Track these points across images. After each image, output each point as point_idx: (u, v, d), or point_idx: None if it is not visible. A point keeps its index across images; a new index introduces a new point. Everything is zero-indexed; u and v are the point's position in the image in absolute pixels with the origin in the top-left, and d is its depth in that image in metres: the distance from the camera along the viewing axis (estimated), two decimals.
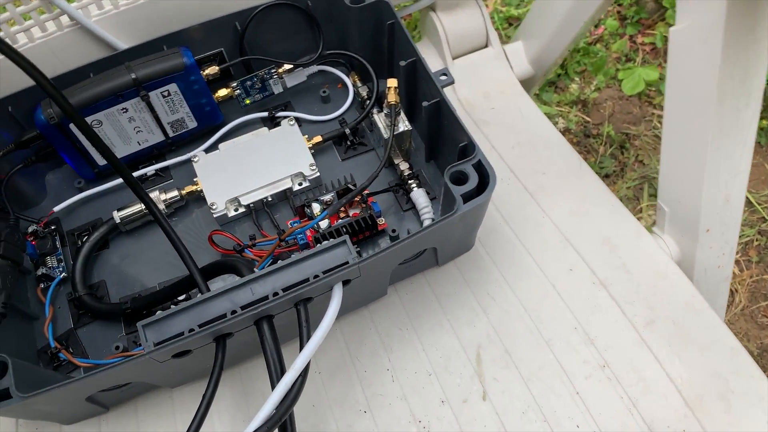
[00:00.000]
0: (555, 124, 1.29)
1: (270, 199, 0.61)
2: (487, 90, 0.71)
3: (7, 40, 0.38)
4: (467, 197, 0.49)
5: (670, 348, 0.52)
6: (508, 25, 1.39)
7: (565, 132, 1.29)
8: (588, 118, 1.30)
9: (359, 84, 0.68)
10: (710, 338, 0.52)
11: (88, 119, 0.58)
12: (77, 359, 0.54)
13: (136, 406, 0.55)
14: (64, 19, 0.58)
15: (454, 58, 0.73)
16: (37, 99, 0.57)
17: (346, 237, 0.48)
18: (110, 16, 0.59)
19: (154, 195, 0.60)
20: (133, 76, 0.57)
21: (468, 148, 0.53)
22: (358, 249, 0.50)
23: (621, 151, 1.27)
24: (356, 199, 0.58)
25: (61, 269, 0.59)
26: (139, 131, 0.61)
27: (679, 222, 0.56)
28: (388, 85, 0.57)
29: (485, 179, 0.50)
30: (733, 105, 0.47)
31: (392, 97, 0.56)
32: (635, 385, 0.50)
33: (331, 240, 0.49)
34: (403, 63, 0.58)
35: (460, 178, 0.50)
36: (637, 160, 1.25)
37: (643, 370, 0.51)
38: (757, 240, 1.14)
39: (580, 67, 1.34)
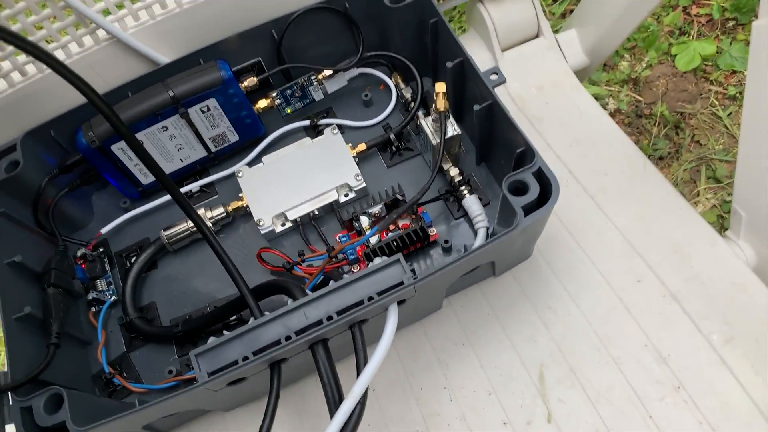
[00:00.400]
0: (605, 105, 1.23)
1: (317, 213, 0.59)
2: (540, 83, 0.67)
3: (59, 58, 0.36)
4: (528, 209, 0.46)
5: (752, 368, 0.48)
6: (552, 2, 1.32)
7: (615, 113, 1.23)
8: (640, 98, 1.23)
9: (402, 85, 0.65)
10: None
11: None
12: (131, 384, 0.54)
13: (190, 431, 0.54)
14: (101, 33, 0.57)
15: (503, 50, 0.69)
16: (78, 122, 0.56)
17: (400, 255, 0.46)
18: (147, 27, 0.58)
19: (200, 212, 0.59)
20: (171, 93, 0.56)
21: (526, 155, 0.50)
22: (413, 267, 0.48)
23: (676, 132, 1.20)
24: None
25: (111, 292, 0.58)
26: (180, 148, 0.60)
27: (758, 227, 0.52)
28: (435, 91, 0.53)
29: (547, 188, 0.47)
30: None
31: (441, 104, 0.53)
32: (715, 409, 0.47)
33: (384, 259, 0.47)
34: (450, 64, 0.55)
35: (519, 188, 0.47)
36: (694, 140, 1.19)
37: (723, 393, 0.47)
38: None
39: (630, 42, 1.27)
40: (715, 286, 0.52)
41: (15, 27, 0.53)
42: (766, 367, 0.48)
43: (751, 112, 0.49)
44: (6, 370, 0.46)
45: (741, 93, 1.21)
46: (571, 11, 1.31)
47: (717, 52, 1.22)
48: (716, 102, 1.21)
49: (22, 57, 0.55)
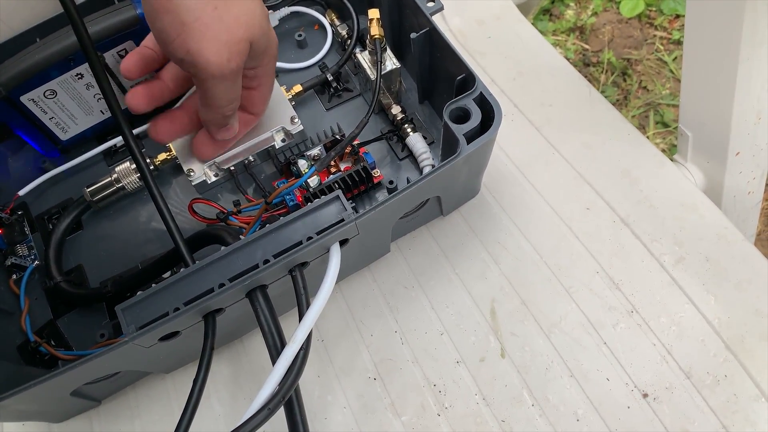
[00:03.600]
0: None
1: (252, 160, 0.56)
2: (481, 17, 0.64)
3: None
4: (470, 137, 0.44)
5: (703, 286, 0.47)
6: None
7: None
8: (586, 46, 1.23)
9: (337, 22, 0.61)
10: (747, 273, 0.47)
11: (39, 90, 0.52)
12: (60, 351, 0.50)
13: (129, 396, 0.51)
14: None
15: None
16: None
17: (339, 192, 0.44)
18: None
19: (124, 166, 0.55)
20: None
21: (467, 81, 0.48)
22: (353, 204, 0.46)
23: (623, 79, 1.20)
24: (347, 151, 0.53)
25: (33, 257, 0.54)
26: (100, 98, 0.55)
27: (705, 147, 0.51)
28: (369, 17, 0.50)
29: (489, 114, 0.45)
30: None
31: (375, 30, 0.50)
32: (668, 330, 0.46)
33: (323, 197, 0.44)
34: None
35: (460, 116, 0.45)
36: (641, 86, 1.19)
37: (675, 313, 0.47)
38: None
39: None
40: (664, 208, 0.51)
41: None
42: (716, 285, 0.47)
43: (694, 21, 0.47)
44: None
45: None
46: None
47: None
48: (661, 47, 1.21)
49: None
